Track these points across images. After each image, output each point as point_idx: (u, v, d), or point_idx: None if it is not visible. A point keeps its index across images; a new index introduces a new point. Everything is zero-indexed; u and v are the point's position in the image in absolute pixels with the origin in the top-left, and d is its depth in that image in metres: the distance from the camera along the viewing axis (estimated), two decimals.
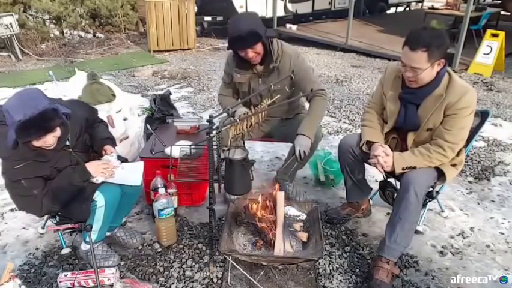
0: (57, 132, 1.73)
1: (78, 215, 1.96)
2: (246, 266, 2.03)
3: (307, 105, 2.54)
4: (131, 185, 2.04)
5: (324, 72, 6.04)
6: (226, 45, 2.38)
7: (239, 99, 2.61)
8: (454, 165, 2.06)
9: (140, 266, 2.13)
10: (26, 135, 1.63)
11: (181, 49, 7.50)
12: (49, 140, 1.71)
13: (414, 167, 1.98)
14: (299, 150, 2.32)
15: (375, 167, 2.06)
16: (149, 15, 7.02)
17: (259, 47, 2.31)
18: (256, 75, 2.48)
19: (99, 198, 1.92)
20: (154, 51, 7.33)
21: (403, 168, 1.99)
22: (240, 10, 7.88)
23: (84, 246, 2.10)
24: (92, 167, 1.92)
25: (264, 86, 2.45)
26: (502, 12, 8.53)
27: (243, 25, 2.25)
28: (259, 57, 2.36)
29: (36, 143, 1.70)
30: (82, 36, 8.72)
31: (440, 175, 2.03)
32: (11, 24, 6.52)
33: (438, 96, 1.92)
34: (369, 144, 2.13)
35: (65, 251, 2.23)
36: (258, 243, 1.99)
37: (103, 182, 1.95)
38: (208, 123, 1.77)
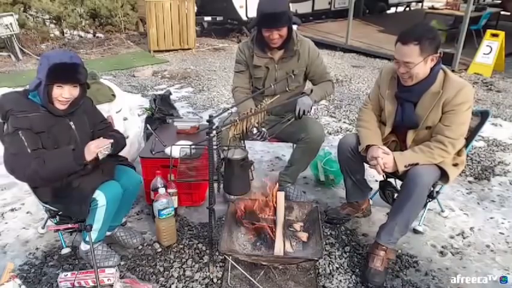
0: (77, 89, 1.89)
1: (77, 214, 1.95)
2: (246, 266, 2.03)
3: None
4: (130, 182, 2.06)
5: None
6: (252, 22, 2.42)
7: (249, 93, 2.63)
8: (455, 165, 2.06)
9: (140, 266, 2.13)
10: (54, 76, 1.80)
11: (181, 49, 7.50)
12: (66, 92, 1.84)
13: (417, 164, 1.98)
14: (299, 109, 2.33)
15: (375, 169, 2.06)
16: (149, 15, 7.02)
17: (285, 30, 2.32)
18: (273, 60, 2.49)
19: (100, 197, 1.91)
20: (154, 51, 7.32)
21: (405, 166, 1.98)
22: (240, 10, 7.88)
23: (84, 246, 2.10)
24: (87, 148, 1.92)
25: (280, 72, 2.48)
26: (502, 12, 8.54)
27: (278, 5, 2.25)
28: (280, 40, 2.36)
29: (55, 91, 1.83)
30: (82, 36, 8.71)
31: (443, 175, 2.03)
32: (11, 24, 6.52)
33: (435, 93, 1.93)
34: (368, 147, 2.13)
35: (65, 251, 2.23)
36: (257, 243, 1.99)
37: (103, 182, 1.95)
38: (208, 123, 1.77)
